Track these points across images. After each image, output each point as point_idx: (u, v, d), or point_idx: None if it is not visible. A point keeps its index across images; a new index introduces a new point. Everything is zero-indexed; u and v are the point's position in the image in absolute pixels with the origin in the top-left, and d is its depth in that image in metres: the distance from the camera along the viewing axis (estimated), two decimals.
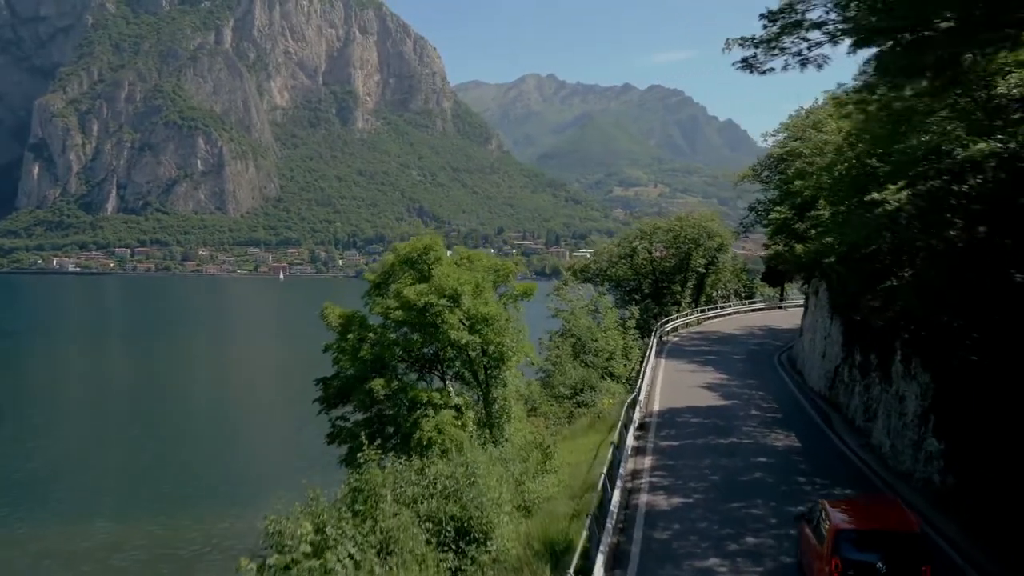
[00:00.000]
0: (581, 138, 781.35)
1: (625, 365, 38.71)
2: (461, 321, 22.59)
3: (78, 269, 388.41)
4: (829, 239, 20.41)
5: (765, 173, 47.59)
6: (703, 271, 61.08)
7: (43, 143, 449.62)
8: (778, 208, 32.05)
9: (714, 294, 66.20)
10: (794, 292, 72.69)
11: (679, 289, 60.16)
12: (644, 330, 48.97)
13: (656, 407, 29.33)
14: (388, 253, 25.42)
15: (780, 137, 46.93)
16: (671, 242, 59.08)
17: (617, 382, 37.22)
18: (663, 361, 39.79)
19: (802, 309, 62.35)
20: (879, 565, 12.55)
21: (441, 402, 22.28)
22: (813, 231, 28.71)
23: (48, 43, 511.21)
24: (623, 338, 40.32)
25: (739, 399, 31.15)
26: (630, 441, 22.31)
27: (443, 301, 22.29)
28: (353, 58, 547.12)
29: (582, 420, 29.79)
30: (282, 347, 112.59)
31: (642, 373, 31.78)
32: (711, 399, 30.94)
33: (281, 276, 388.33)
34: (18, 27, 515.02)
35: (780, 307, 68.43)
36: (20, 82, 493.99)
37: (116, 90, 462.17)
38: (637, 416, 24.94)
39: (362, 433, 19.35)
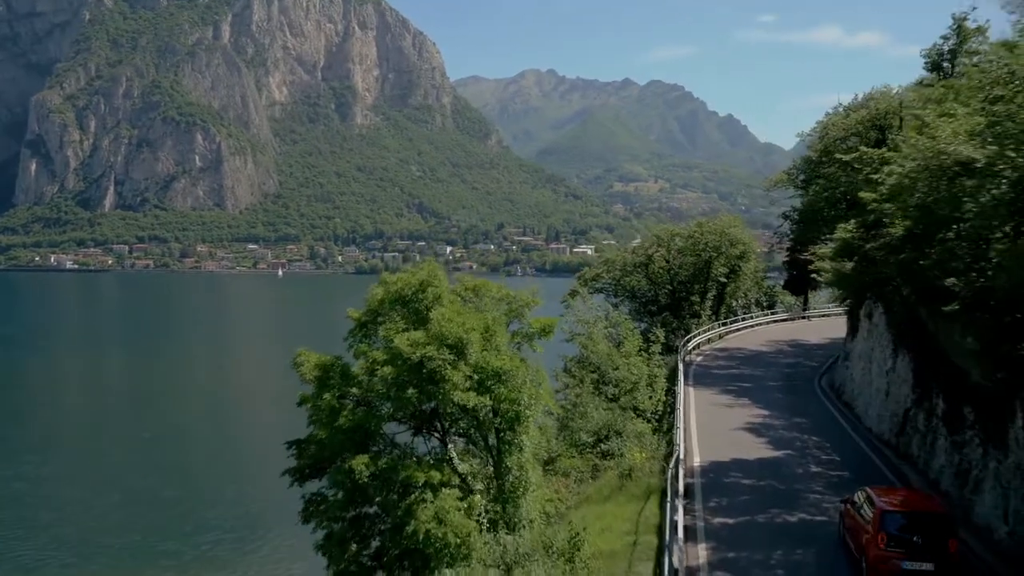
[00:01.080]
0: (581, 133, 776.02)
1: (651, 397, 34.07)
2: (468, 376, 17.92)
3: (76, 266, 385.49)
4: (952, 280, 15.80)
5: (801, 178, 42.88)
6: (724, 280, 56.63)
7: (40, 139, 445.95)
8: (843, 224, 27.56)
9: (734, 304, 61.54)
10: (817, 300, 68.20)
11: (698, 300, 55.60)
12: (665, 346, 44.33)
13: (697, 460, 24.78)
14: (376, 286, 20.62)
15: (816, 137, 42.39)
16: (690, 249, 54.56)
17: (642, 417, 32.70)
18: (692, 390, 35.23)
19: (829, 319, 58.42)
20: (915, 539, 15.31)
21: (442, 480, 17.59)
22: (882, 253, 24.25)
23: (45, 39, 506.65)
24: (647, 364, 35.66)
25: (791, 448, 26.58)
26: (681, 522, 17.64)
27: (444, 353, 17.57)
28: (352, 53, 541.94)
29: (609, 475, 25.14)
30: (282, 350, 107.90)
31: (677, 419, 27.12)
32: (759, 448, 26.36)
33: (280, 273, 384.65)
34: (14, 23, 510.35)
35: (804, 317, 63.81)
36: (16, 78, 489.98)
37: (114, 86, 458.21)
38: (681, 485, 20.36)
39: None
